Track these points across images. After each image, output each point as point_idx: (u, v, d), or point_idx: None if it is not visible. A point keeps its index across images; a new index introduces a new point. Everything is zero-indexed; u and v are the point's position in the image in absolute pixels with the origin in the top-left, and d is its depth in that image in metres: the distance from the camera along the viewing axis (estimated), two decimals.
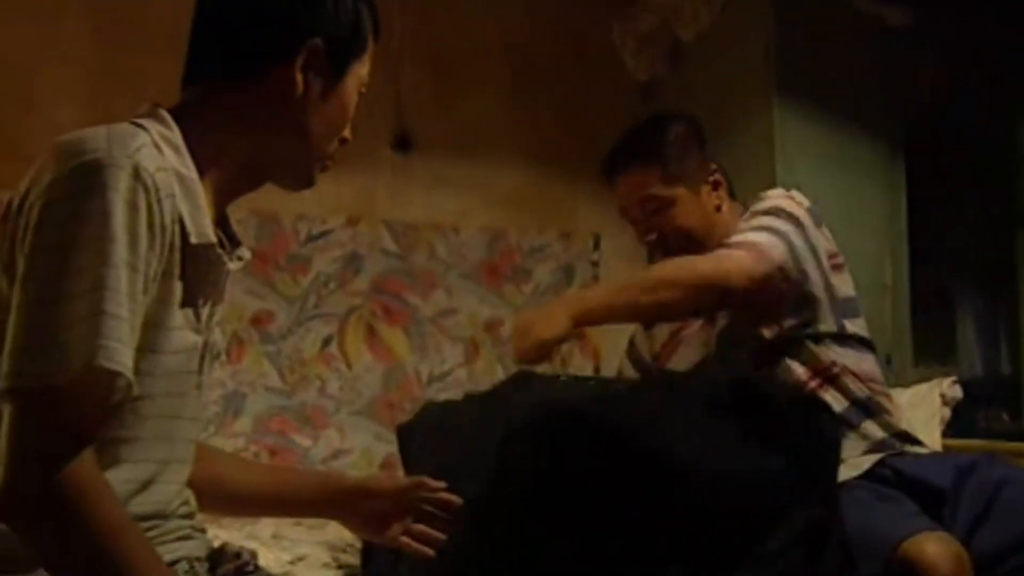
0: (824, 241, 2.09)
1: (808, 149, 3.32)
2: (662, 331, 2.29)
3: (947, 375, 2.75)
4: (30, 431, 1.11)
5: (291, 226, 3.55)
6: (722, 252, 1.98)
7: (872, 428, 2.02)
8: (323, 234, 3.60)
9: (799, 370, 2.02)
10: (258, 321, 3.48)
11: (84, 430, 1.13)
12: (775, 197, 2.12)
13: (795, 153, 3.30)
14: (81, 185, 1.13)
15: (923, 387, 2.65)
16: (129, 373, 1.14)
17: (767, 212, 2.06)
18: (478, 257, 3.79)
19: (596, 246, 3.93)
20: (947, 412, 2.57)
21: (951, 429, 2.91)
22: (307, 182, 1.42)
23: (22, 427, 1.10)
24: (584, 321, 1.91)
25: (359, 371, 3.60)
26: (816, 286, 2.04)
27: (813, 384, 2.02)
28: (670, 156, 2.17)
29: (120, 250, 1.12)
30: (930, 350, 3.73)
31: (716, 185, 2.21)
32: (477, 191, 3.83)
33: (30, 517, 1.11)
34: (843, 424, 1.98)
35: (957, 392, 2.59)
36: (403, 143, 3.70)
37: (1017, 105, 3.74)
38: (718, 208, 2.20)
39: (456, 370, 3.70)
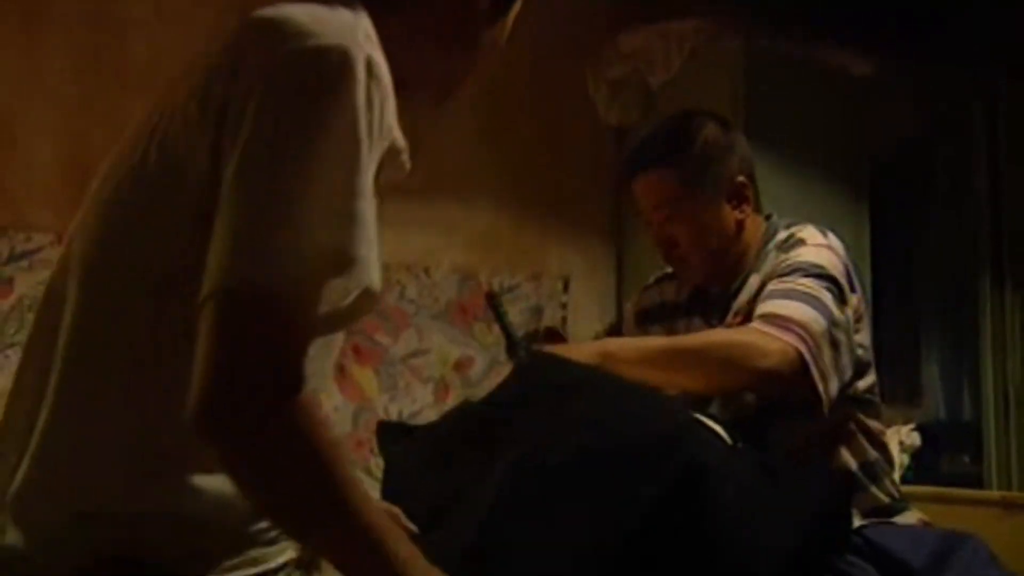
0: (855, 298, 1.93)
1: (773, 195, 3.31)
2: (677, 333, 2.11)
3: (909, 420, 2.78)
4: (263, 336, 0.95)
5: None
6: (764, 333, 1.78)
7: (873, 495, 1.93)
8: None
9: (813, 427, 1.89)
10: None
11: (307, 343, 0.99)
12: (813, 245, 1.94)
13: (761, 198, 3.34)
14: (318, 73, 0.99)
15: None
16: (379, 290, 1.04)
17: (810, 273, 1.86)
18: (448, 297, 3.81)
19: (566, 288, 3.97)
20: (905, 459, 2.59)
21: (915, 473, 2.95)
22: (441, 101, 1.33)
23: (253, 331, 0.95)
24: (606, 362, 1.74)
25: (329, 410, 3.60)
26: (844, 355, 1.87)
27: (829, 441, 1.92)
28: (692, 163, 1.99)
29: (364, 153, 1.00)
30: (895, 395, 3.77)
31: (741, 200, 2.03)
32: (448, 232, 3.86)
33: (253, 437, 0.95)
34: (854, 486, 1.89)
35: (916, 440, 2.61)
36: None
37: (980, 153, 3.81)
38: (740, 224, 2.02)
39: (426, 410, 3.70)
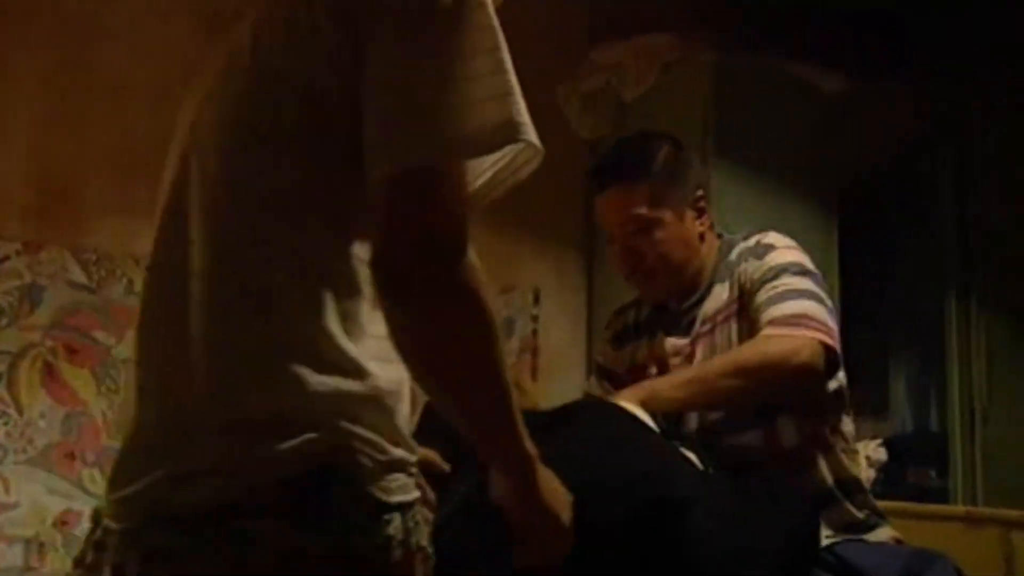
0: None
1: (743, 211, 3.35)
2: (640, 351, 2.17)
3: (876, 435, 2.79)
4: (441, 206, 1.06)
5: None
6: (783, 335, 1.85)
7: (847, 510, 1.95)
8: None
9: (794, 435, 1.94)
10: None
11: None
12: (784, 247, 2.02)
13: (730, 215, 3.32)
14: None
15: None
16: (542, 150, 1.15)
17: (796, 272, 1.95)
18: None
19: (536, 301, 3.97)
20: (872, 473, 2.59)
21: (881, 487, 2.96)
22: None
23: (431, 203, 1.06)
24: (651, 405, 1.79)
25: None
26: None
27: (809, 452, 1.94)
28: (659, 176, 2.04)
29: (501, 35, 1.11)
30: (863, 409, 3.79)
31: (701, 212, 2.09)
32: None
33: (430, 292, 1.06)
34: (828, 501, 1.92)
35: (882, 455, 2.62)
36: None
37: (948, 171, 3.84)
38: (701, 236, 2.08)
39: None
